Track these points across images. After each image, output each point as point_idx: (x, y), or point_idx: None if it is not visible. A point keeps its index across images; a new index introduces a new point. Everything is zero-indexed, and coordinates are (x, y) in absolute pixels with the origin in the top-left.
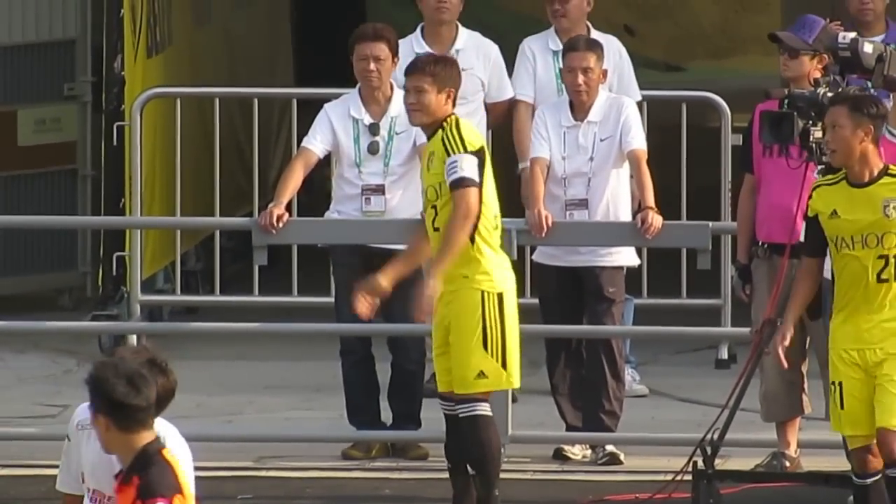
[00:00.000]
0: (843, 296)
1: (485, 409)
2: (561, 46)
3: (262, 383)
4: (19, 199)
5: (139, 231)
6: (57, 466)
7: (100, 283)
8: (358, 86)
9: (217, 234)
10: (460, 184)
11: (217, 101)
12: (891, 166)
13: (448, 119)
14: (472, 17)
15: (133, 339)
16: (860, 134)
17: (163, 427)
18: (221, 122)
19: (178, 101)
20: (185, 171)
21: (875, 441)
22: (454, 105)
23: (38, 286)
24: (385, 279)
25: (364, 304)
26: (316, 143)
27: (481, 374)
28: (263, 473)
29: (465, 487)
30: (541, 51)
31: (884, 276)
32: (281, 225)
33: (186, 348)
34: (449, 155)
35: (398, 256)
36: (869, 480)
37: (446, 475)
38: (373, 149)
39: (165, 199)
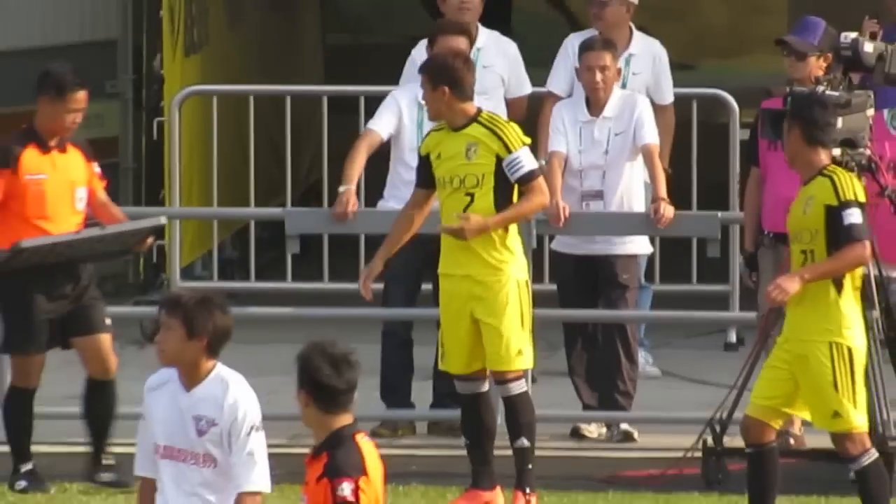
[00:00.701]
0: None
1: (525, 384)
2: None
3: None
4: None
5: (178, 221)
6: None
7: (141, 270)
8: None
9: (252, 224)
10: (532, 177)
11: (252, 98)
12: (828, 167)
13: (481, 112)
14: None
15: None
16: (791, 136)
17: (228, 374)
18: (255, 118)
19: (215, 99)
20: (221, 164)
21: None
22: (459, 99)
23: None
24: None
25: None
26: (381, 125)
27: (520, 353)
28: (297, 450)
29: (483, 461)
30: None
31: None
32: (352, 213)
33: None
34: (510, 151)
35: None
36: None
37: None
38: None
39: (202, 191)
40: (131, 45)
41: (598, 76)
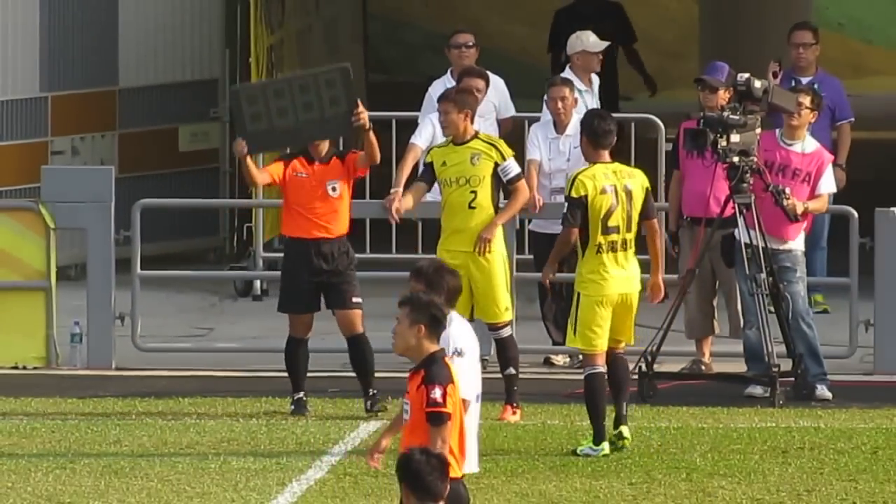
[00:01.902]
0: None
1: (511, 329)
2: (584, 87)
3: None
4: (181, 188)
5: (261, 209)
6: (206, 371)
7: (235, 244)
8: None
9: None
10: (518, 178)
11: None
12: (587, 168)
13: (478, 133)
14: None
15: (257, 283)
16: (581, 142)
17: (453, 316)
18: None
19: None
20: None
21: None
22: (472, 120)
23: (194, 246)
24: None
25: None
26: (422, 140)
27: (507, 308)
28: (347, 375)
29: None
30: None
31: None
32: (397, 212)
33: None
34: (504, 160)
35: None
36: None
37: None
38: None
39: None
40: (227, 82)
41: (560, 104)
